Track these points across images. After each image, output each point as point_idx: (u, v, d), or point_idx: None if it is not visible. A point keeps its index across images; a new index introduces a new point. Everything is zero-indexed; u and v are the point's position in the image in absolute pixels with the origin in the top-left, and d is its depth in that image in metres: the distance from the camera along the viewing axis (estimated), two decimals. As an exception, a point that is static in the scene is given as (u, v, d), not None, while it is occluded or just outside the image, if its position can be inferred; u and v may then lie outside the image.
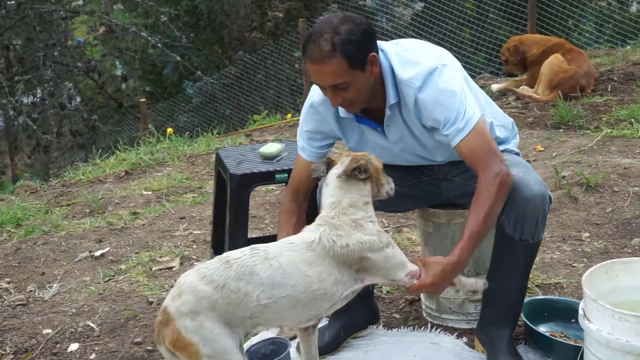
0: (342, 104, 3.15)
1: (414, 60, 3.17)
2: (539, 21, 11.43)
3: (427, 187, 3.52)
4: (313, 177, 3.17)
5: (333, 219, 2.92)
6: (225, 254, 2.86)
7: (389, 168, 3.40)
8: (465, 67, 3.32)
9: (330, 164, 3.05)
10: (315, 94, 3.38)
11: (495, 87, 8.63)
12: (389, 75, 3.17)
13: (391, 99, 3.18)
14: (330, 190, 2.99)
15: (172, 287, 2.93)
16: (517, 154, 3.54)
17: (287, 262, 2.82)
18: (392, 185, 3.12)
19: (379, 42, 3.16)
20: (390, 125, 3.29)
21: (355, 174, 2.96)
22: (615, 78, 8.40)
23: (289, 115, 10.21)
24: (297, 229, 3.31)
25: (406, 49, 3.24)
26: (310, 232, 2.91)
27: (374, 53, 3.09)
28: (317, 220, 2.97)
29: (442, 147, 3.31)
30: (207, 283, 2.74)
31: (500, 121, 3.49)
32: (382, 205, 3.48)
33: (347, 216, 2.93)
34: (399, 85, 3.18)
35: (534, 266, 3.47)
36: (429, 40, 12.79)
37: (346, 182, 2.97)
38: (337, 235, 2.87)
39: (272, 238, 4.76)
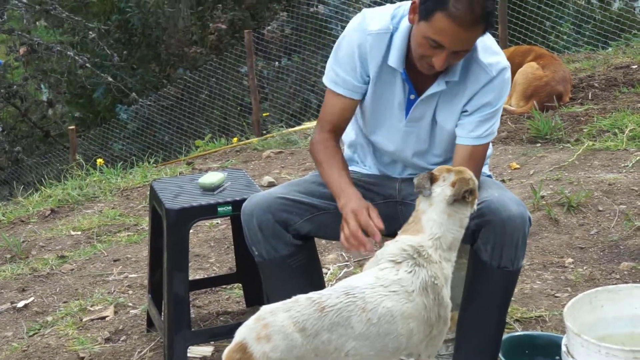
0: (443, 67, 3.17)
1: (493, 49, 3.30)
2: (511, 24, 11.53)
3: (382, 211, 3.51)
4: (421, 195, 3.11)
5: (434, 263, 2.99)
6: (317, 295, 2.86)
7: None
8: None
9: (432, 180, 3.09)
10: (373, 22, 3.32)
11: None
12: None
13: (456, 75, 3.26)
14: (436, 216, 3.04)
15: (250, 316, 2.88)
16: (489, 176, 3.58)
17: (385, 318, 2.86)
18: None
19: None
20: (424, 100, 3.33)
21: (465, 196, 3.04)
22: (596, 84, 8.49)
23: (235, 139, 10.18)
24: (344, 167, 3.38)
25: (488, 34, 3.31)
26: (409, 274, 2.94)
27: None
28: (416, 249, 3.00)
29: (447, 141, 3.42)
30: (299, 330, 2.76)
31: None
32: (313, 231, 3.48)
33: (447, 262, 3.03)
34: (469, 65, 3.26)
35: (512, 298, 3.47)
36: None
37: (453, 205, 3.04)
38: (434, 285, 2.95)
39: (218, 279, 4.79)
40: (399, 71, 3.30)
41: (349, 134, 3.64)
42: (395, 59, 3.27)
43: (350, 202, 3.22)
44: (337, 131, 3.47)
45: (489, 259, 3.25)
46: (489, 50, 3.28)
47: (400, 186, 3.54)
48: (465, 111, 3.32)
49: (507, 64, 3.30)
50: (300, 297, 2.86)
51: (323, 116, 3.49)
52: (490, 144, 3.63)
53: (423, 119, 3.37)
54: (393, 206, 3.54)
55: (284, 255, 3.39)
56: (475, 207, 3.14)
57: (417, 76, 3.29)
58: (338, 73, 3.39)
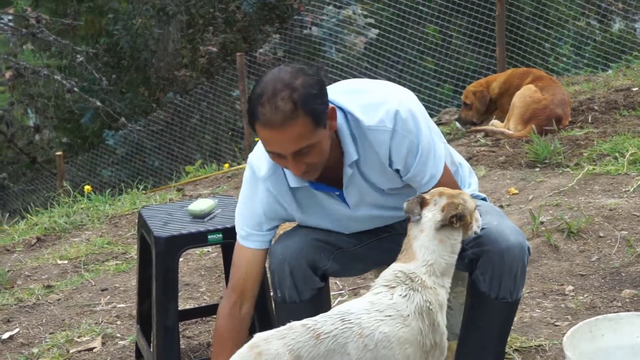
0: (305, 171, 3.10)
1: (375, 102, 3.17)
2: (509, 46, 11.58)
3: (387, 245, 3.50)
4: (410, 220, 3.08)
5: (428, 289, 2.98)
6: (312, 322, 2.86)
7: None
8: (429, 101, 3.39)
9: (423, 204, 3.07)
10: (259, 166, 3.31)
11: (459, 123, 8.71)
12: (345, 129, 3.16)
13: (352, 155, 3.18)
14: (427, 242, 3.03)
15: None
16: (483, 199, 3.57)
17: (382, 344, 2.86)
18: (480, 222, 3.17)
19: None
20: (349, 187, 3.28)
21: (453, 221, 3.02)
22: (596, 107, 8.51)
23: (227, 165, 10.18)
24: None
25: (357, 90, 3.25)
26: (403, 298, 2.94)
27: (332, 105, 3.08)
28: (408, 276, 2.99)
29: (408, 194, 3.31)
30: (294, 358, 2.76)
31: (457, 157, 3.56)
32: (339, 271, 3.47)
33: (441, 288, 3.02)
34: (364, 135, 3.16)
35: (511, 328, 3.47)
36: (387, 71, 12.95)
37: (442, 230, 3.03)
38: (428, 311, 2.95)
39: (208, 309, 4.78)
40: (306, 186, 3.27)
41: None
42: (293, 180, 3.25)
43: None
44: (245, 292, 3.39)
45: (488, 290, 3.24)
46: (369, 107, 3.16)
47: (402, 222, 3.50)
48: (398, 170, 3.24)
49: (395, 105, 3.15)
50: (295, 324, 2.86)
51: (233, 276, 3.43)
52: (472, 172, 3.62)
53: (364, 197, 3.32)
54: (398, 239, 3.49)
55: (306, 300, 3.37)
56: (474, 232, 3.13)
57: (325, 176, 3.22)
58: (248, 230, 3.39)
